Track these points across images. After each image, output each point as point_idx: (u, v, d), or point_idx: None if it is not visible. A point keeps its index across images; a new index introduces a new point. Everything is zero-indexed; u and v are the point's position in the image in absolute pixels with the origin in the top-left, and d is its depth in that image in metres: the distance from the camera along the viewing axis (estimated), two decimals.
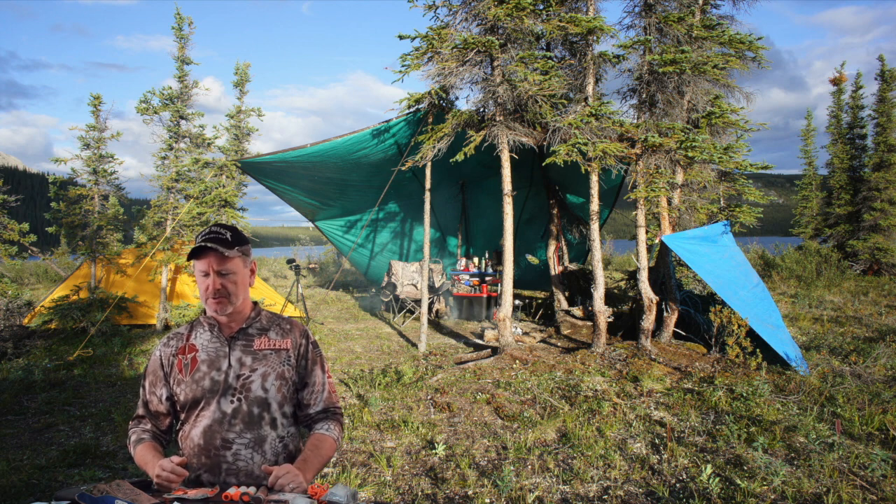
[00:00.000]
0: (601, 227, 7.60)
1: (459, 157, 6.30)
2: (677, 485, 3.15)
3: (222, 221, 7.97)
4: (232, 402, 1.73)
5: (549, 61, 5.93)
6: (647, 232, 6.01)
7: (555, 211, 8.21)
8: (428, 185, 7.01)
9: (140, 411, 1.85)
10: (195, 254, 1.73)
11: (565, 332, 7.15)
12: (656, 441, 3.77)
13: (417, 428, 4.07)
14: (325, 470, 3.41)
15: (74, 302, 7.42)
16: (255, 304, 1.91)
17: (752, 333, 5.30)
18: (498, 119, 6.21)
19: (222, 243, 1.73)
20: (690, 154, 5.54)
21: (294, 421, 1.88)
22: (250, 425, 1.73)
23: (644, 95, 6.00)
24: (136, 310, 8.03)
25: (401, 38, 6.21)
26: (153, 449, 1.76)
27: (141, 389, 1.86)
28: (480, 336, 7.30)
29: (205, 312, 1.86)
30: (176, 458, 1.62)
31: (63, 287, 7.98)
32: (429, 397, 4.84)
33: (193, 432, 1.74)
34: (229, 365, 1.77)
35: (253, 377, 1.76)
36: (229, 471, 1.70)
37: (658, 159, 5.72)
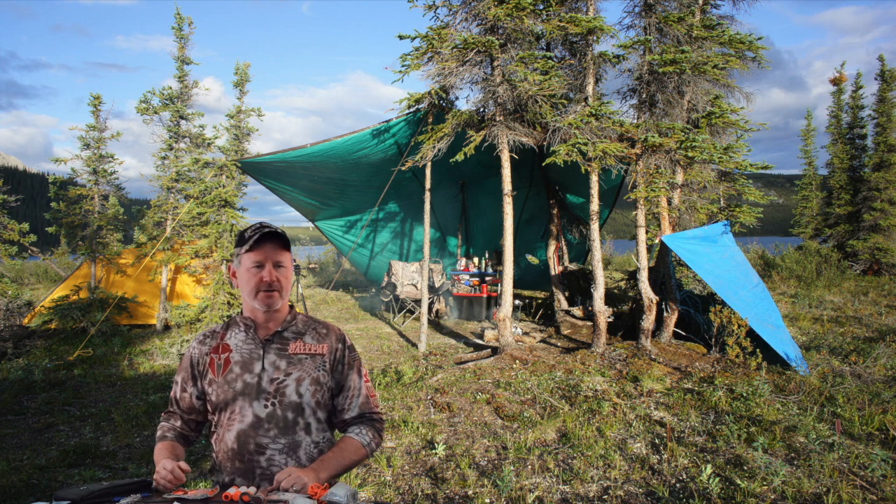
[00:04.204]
0: (601, 227, 7.60)
1: (459, 157, 6.30)
2: (677, 485, 3.15)
3: (222, 221, 7.97)
4: (266, 406, 1.70)
5: (549, 61, 5.93)
6: (647, 232, 6.01)
7: (555, 211, 8.21)
8: (428, 185, 7.01)
9: (171, 407, 1.85)
10: (255, 244, 1.71)
11: (565, 332, 7.15)
12: (656, 441, 3.77)
13: (417, 428, 4.07)
14: None
15: (74, 302, 7.42)
16: (292, 306, 1.88)
17: (752, 333, 5.30)
18: (498, 119, 6.21)
19: (279, 237, 1.74)
20: (690, 154, 5.54)
21: (329, 427, 1.84)
22: (285, 430, 1.70)
23: (644, 95, 6.00)
24: (136, 310, 8.04)
25: (401, 38, 6.21)
26: (169, 449, 1.75)
27: (174, 384, 1.84)
28: (480, 336, 7.30)
29: (241, 313, 1.83)
30: (182, 464, 1.61)
31: (63, 287, 7.98)
32: (429, 397, 4.84)
33: (227, 436, 1.71)
34: (263, 368, 1.73)
35: (287, 381, 1.72)
36: (263, 476, 1.68)
37: (658, 159, 5.72)
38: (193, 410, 1.82)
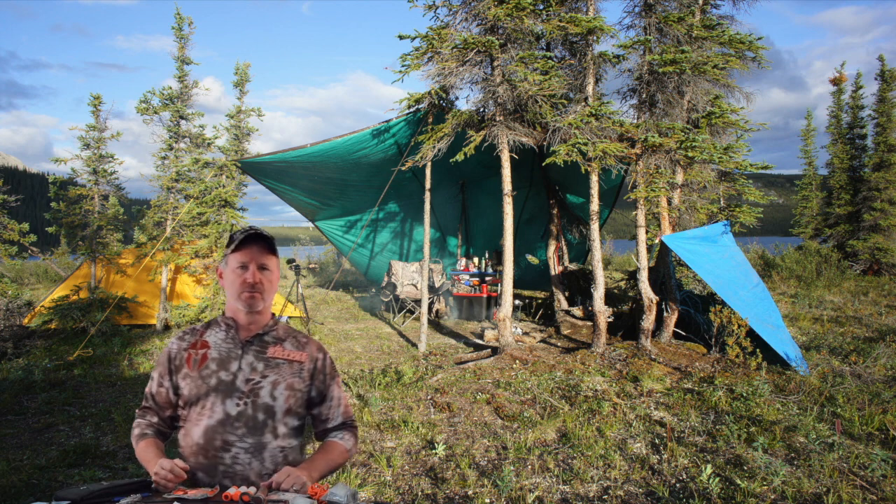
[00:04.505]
0: (601, 227, 7.60)
1: (459, 157, 6.30)
2: (677, 485, 3.15)
3: (222, 221, 7.98)
4: (238, 404, 1.72)
5: (549, 61, 5.93)
6: (647, 232, 6.01)
7: (555, 211, 8.21)
8: (428, 185, 7.01)
9: (147, 403, 1.85)
10: (239, 245, 1.77)
11: (565, 332, 7.15)
12: (656, 441, 3.77)
13: (417, 428, 4.07)
14: None
15: (74, 302, 7.42)
16: (273, 314, 1.92)
17: (752, 333, 5.30)
18: (498, 119, 6.21)
19: (265, 239, 1.80)
20: (690, 154, 5.54)
21: (296, 434, 1.86)
22: (253, 430, 1.72)
23: (644, 95, 6.00)
24: (136, 310, 8.03)
25: (401, 38, 6.21)
26: (155, 446, 1.75)
27: (150, 380, 1.86)
28: (480, 336, 7.30)
29: (224, 314, 1.87)
30: (179, 461, 1.62)
31: (63, 287, 7.98)
32: (429, 397, 4.84)
33: (194, 431, 1.72)
34: (240, 368, 1.76)
35: (263, 383, 1.75)
36: (226, 473, 1.68)
37: (658, 159, 5.72)
38: (170, 406, 1.83)
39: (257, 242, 1.78)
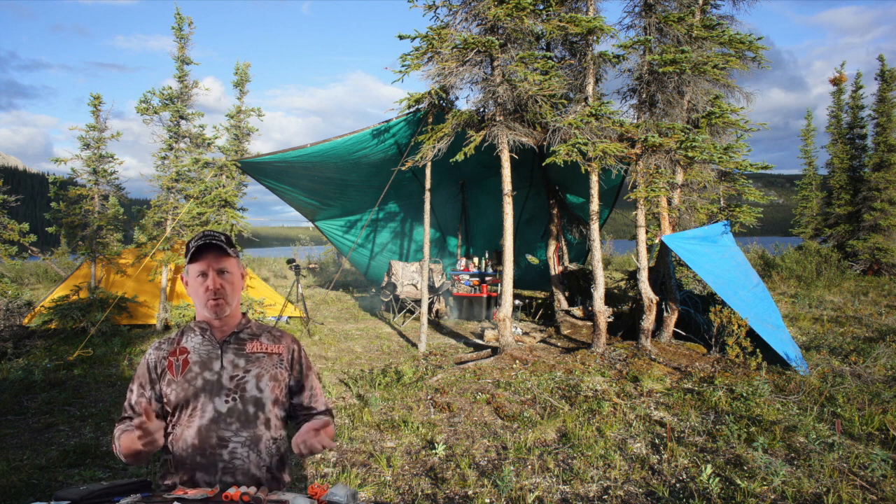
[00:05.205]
0: (601, 227, 7.60)
1: (459, 157, 6.30)
2: (677, 485, 3.15)
3: (222, 221, 7.98)
4: (227, 401, 1.75)
5: (549, 61, 5.93)
6: (647, 232, 6.01)
7: (555, 211, 8.21)
8: (428, 185, 7.01)
9: (126, 413, 1.85)
10: (195, 255, 1.78)
11: (565, 332, 7.15)
12: (656, 441, 3.77)
13: (417, 428, 4.07)
14: (325, 470, 3.42)
15: (74, 302, 7.42)
16: (244, 314, 1.96)
17: (752, 333, 5.30)
18: (498, 119, 6.21)
19: (218, 246, 1.80)
20: (690, 154, 5.54)
21: (284, 425, 1.91)
22: (246, 424, 1.75)
23: (644, 95, 6.00)
24: (136, 310, 8.03)
25: (401, 38, 6.21)
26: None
27: (129, 392, 1.86)
28: (480, 336, 7.30)
29: (195, 319, 1.90)
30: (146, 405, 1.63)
31: (63, 287, 7.98)
32: (429, 397, 4.84)
33: (187, 433, 1.73)
34: (222, 366, 1.79)
35: (247, 378, 1.79)
36: (226, 469, 1.70)
37: (658, 159, 5.72)
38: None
39: (211, 249, 1.79)
